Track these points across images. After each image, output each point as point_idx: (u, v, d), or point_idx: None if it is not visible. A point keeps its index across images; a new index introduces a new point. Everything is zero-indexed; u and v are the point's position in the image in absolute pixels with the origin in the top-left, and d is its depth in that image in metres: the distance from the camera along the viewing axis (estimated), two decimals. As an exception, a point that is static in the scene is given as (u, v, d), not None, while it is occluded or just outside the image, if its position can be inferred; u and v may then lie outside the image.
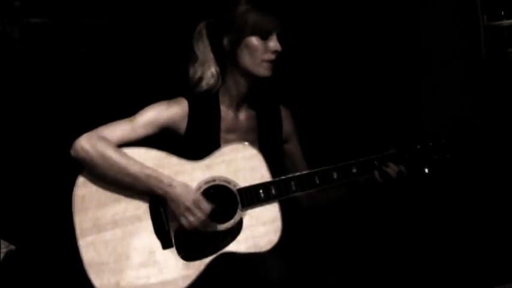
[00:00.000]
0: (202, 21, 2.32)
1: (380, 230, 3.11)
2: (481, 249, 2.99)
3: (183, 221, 2.16)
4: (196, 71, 2.28)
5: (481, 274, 2.94)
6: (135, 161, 2.18)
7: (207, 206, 2.17)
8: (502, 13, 2.89)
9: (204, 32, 2.30)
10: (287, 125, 2.41)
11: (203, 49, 2.28)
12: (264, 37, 2.23)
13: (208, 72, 2.27)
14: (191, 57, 2.29)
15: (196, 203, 2.16)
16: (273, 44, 2.22)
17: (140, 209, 2.19)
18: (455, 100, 3.04)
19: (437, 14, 3.06)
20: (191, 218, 2.15)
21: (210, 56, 2.28)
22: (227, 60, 2.28)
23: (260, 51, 2.23)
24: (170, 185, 2.16)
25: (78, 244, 2.15)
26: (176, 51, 2.58)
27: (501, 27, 2.90)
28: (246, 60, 2.24)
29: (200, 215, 2.15)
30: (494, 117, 2.95)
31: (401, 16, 3.14)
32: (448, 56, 3.04)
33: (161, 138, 2.25)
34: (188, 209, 2.15)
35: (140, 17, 3.01)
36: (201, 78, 2.27)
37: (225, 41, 2.26)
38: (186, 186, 2.18)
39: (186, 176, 2.20)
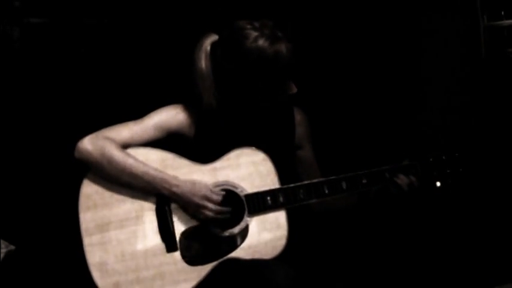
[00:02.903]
0: (204, 30, 2.27)
1: (380, 230, 3.11)
2: (481, 249, 2.98)
3: (200, 216, 2.15)
4: (196, 88, 2.22)
5: (481, 274, 2.94)
6: (140, 162, 2.16)
7: (217, 197, 2.16)
8: (502, 13, 2.89)
9: (208, 51, 2.22)
10: (300, 131, 2.37)
11: (205, 69, 2.21)
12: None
13: (208, 95, 2.21)
14: (192, 71, 2.23)
15: (205, 197, 2.15)
16: (291, 90, 2.21)
17: (146, 210, 2.18)
18: (455, 100, 3.04)
19: (438, 14, 3.06)
20: (206, 212, 2.15)
21: (211, 78, 2.21)
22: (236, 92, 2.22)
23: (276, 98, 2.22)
24: (176, 185, 2.16)
25: (83, 243, 2.14)
26: (177, 51, 2.58)
27: (501, 27, 2.90)
28: (260, 101, 2.23)
29: (212, 207, 2.15)
30: (494, 117, 2.95)
31: (401, 16, 3.14)
32: (448, 56, 3.04)
33: (169, 140, 2.24)
34: (199, 206, 2.15)
35: (140, 17, 3.01)
36: (201, 98, 2.22)
37: (235, 86, 2.20)
38: (192, 183, 2.17)
39: (195, 178, 2.19)
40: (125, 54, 3.00)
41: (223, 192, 2.19)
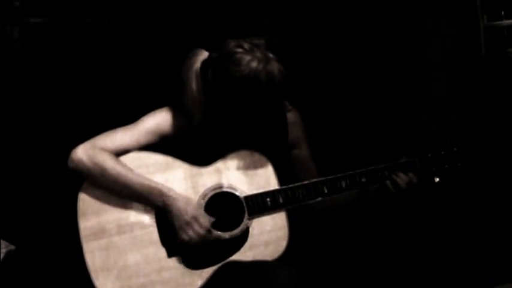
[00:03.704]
0: (196, 45, 2.23)
1: (380, 230, 3.11)
2: (481, 249, 2.98)
3: (183, 236, 2.13)
4: (186, 106, 2.20)
5: (481, 274, 2.94)
6: (135, 173, 2.15)
7: (206, 221, 2.15)
8: (502, 13, 2.88)
9: (198, 71, 2.18)
10: (294, 130, 2.35)
11: (196, 90, 2.18)
12: None
13: (197, 112, 2.18)
14: (181, 91, 2.20)
15: (195, 218, 2.14)
16: (285, 110, 2.21)
17: (146, 215, 2.17)
18: (455, 100, 3.04)
19: (437, 14, 3.06)
20: (190, 233, 2.13)
21: (201, 99, 2.17)
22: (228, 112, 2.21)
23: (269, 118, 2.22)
24: (170, 198, 2.14)
25: (83, 249, 2.13)
26: (177, 51, 2.57)
27: (501, 27, 2.90)
28: (253, 120, 2.21)
29: (199, 229, 2.13)
30: (494, 117, 2.95)
31: (400, 16, 3.14)
32: (448, 56, 3.04)
33: (163, 144, 2.23)
34: (187, 223, 2.13)
35: (140, 17, 3.00)
36: (190, 113, 2.19)
37: (227, 108, 2.17)
38: (187, 200, 2.16)
39: (193, 181, 2.19)
40: (125, 55, 3.00)
41: (214, 219, 2.17)
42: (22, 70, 2.90)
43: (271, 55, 2.12)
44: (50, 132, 2.90)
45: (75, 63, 2.96)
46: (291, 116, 2.35)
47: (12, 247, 2.55)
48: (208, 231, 2.15)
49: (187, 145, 2.24)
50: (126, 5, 2.99)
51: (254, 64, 2.08)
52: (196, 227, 2.13)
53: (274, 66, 2.10)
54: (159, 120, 2.22)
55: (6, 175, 2.84)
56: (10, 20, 2.89)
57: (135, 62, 2.99)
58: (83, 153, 2.14)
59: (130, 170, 2.16)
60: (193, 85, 2.17)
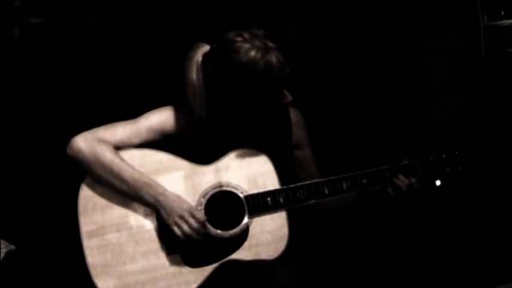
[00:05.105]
0: (196, 39, 2.23)
1: (381, 230, 3.11)
2: (481, 249, 2.99)
3: (176, 230, 2.13)
4: (188, 99, 2.19)
5: (481, 274, 2.94)
6: (131, 167, 2.15)
7: (201, 215, 2.15)
8: (502, 13, 2.89)
9: (200, 63, 2.17)
10: (297, 131, 2.35)
11: (197, 82, 2.17)
12: None
13: (199, 107, 2.17)
14: (183, 83, 2.19)
15: (190, 211, 2.13)
16: (285, 99, 2.18)
17: (146, 213, 2.17)
18: (455, 100, 3.04)
19: (437, 14, 3.06)
20: (184, 226, 2.12)
21: (202, 91, 2.17)
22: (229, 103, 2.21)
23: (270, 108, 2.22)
24: (163, 194, 2.14)
25: (83, 246, 2.14)
26: (177, 51, 2.58)
27: (501, 27, 2.90)
28: (253, 111, 2.21)
29: (193, 222, 2.13)
30: (494, 117, 2.95)
31: (401, 16, 3.14)
32: (448, 56, 3.04)
33: (165, 141, 2.23)
34: (181, 217, 2.13)
35: (141, 17, 3.00)
36: (192, 107, 2.18)
37: (228, 99, 2.17)
38: (179, 196, 2.16)
39: (194, 180, 2.19)
40: (126, 55, 3.00)
41: (205, 217, 2.16)
42: (22, 70, 2.90)
43: (271, 44, 2.12)
44: (51, 132, 2.89)
45: (76, 63, 2.96)
46: (295, 116, 2.35)
47: (12, 247, 2.55)
48: (203, 225, 2.14)
49: (190, 143, 2.24)
50: (127, 5, 2.99)
51: (252, 53, 2.09)
52: (191, 221, 2.13)
53: (273, 56, 2.10)
54: (161, 118, 2.22)
55: (6, 175, 2.84)
56: (10, 20, 2.89)
57: (136, 62, 2.99)
58: (82, 142, 2.14)
59: (129, 165, 2.15)
60: (195, 77, 2.17)
